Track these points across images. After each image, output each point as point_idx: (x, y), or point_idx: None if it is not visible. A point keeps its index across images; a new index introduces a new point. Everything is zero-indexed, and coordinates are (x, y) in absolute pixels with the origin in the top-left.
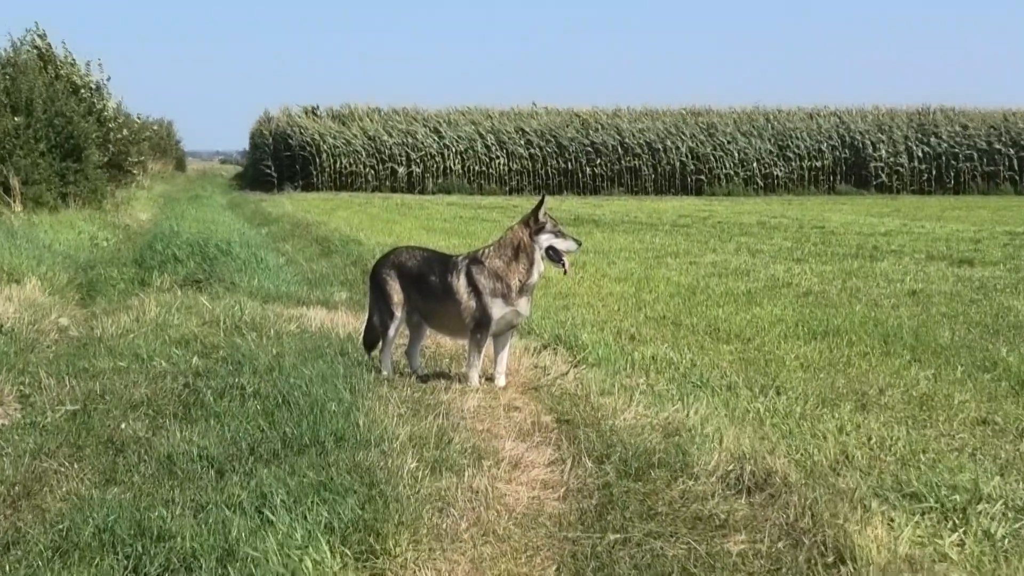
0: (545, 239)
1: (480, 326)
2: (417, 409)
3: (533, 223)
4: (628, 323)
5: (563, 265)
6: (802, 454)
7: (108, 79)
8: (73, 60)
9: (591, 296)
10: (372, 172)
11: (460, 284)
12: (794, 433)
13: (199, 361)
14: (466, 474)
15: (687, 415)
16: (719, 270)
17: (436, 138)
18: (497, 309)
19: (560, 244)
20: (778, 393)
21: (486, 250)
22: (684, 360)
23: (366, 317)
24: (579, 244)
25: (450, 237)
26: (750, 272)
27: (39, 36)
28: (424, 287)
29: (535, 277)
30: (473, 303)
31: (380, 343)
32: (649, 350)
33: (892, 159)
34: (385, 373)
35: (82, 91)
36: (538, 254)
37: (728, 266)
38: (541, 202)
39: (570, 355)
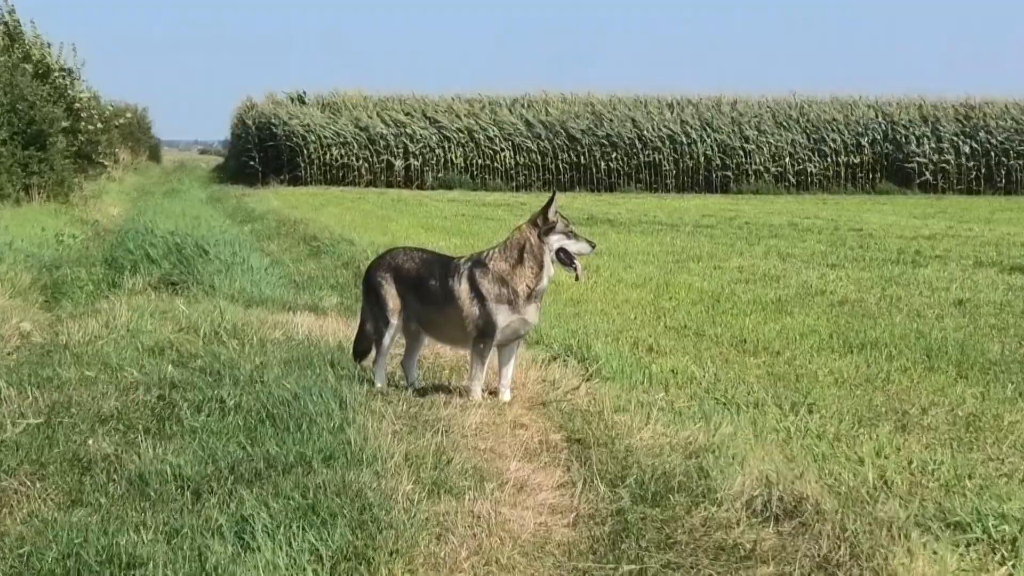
0: (556, 240)
1: (483, 335)
2: (414, 426)
3: (542, 222)
4: (646, 333)
5: (575, 269)
6: (836, 479)
7: (83, 64)
8: (48, 42)
9: (605, 303)
10: (366, 165)
11: (462, 289)
12: (827, 456)
13: (174, 371)
14: (467, 497)
15: (710, 435)
16: (746, 276)
17: (436, 128)
18: (502, 317)
19: (572, 246)
20: (810, 411)
21: (491, 252)
22: (707, 374)
23: (358, 324)
24: (593, 246)
25: (451, 237)
26: (780, 278)
27: (8, 12)
28: (423, 292)
29: (544, 282)
30: (476, 310)
31: (374, 353)
32: (669, 363)
33: (937, 155)
34: (379, 386)
35: (55, 75)
36: (548, 257)
37: (756, 271)
38: (551, 199)
39: (582, 368)
